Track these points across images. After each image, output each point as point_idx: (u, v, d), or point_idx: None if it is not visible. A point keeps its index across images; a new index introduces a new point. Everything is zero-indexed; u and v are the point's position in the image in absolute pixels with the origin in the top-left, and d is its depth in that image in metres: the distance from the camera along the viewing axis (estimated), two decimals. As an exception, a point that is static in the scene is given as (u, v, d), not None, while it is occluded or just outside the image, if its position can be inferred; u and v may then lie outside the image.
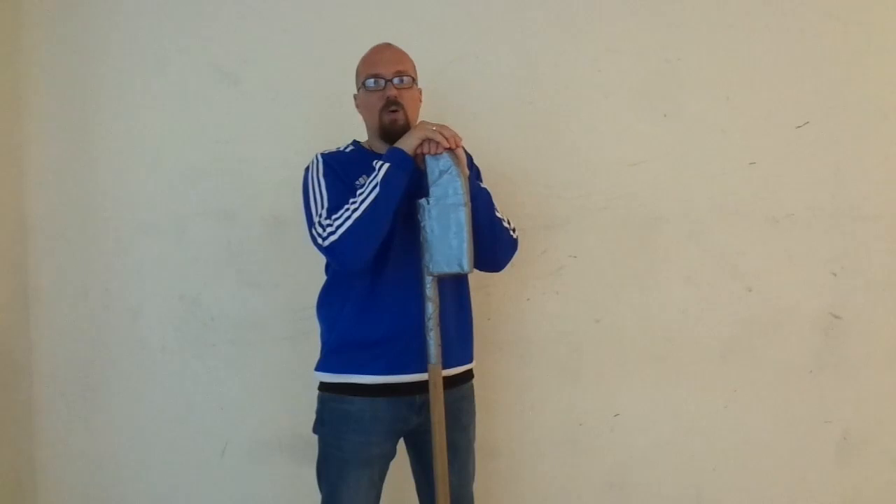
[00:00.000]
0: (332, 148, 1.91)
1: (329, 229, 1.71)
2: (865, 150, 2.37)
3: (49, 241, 2.38)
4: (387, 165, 1.73)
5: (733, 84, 2.36)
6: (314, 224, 1.74)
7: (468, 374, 1.92)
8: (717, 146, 2.36)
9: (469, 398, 1.93)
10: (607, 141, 2.36)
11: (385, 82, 1.83)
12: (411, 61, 1.90)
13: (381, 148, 1.86)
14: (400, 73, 1.84)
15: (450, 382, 1.80)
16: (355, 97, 1.93)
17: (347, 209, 1.71)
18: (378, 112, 1.84)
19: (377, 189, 1.71)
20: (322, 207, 1.75)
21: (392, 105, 1.82)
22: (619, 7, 2.36)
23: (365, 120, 1.91)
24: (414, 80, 1.88)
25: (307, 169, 1.85)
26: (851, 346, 2.37)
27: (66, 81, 2.37)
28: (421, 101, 1.93)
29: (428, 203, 1.73)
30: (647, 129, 2.36)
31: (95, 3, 2.37)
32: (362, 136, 1.95)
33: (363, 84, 1.87)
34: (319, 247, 1.73)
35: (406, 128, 1.82)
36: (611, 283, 2.37)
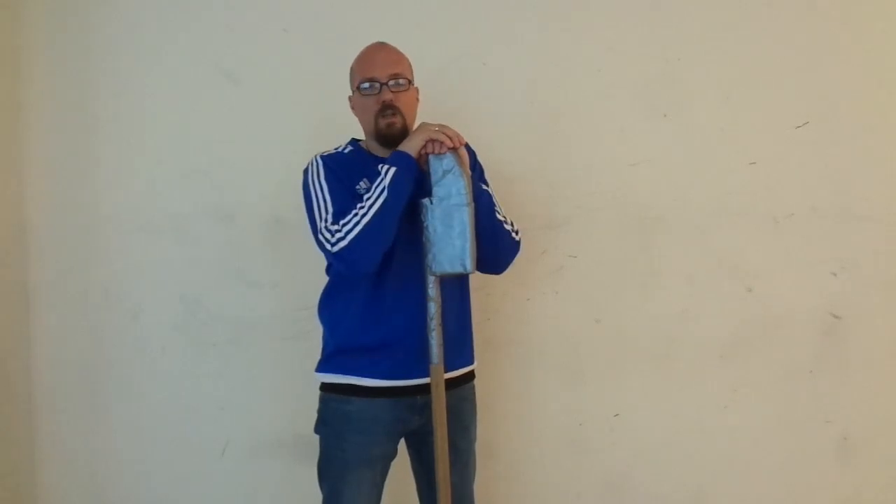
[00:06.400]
0: (331, 149, 1.90)
1: (338, 235, 1.69)
2: (865, 150, 2.37)
3: (49, 241, 2.38)
4: (393, 169, 1.71)
5: (733, 84, 2.36)
6: (319, 230, 1.73)
7: (469, 375, 1.92)
8: (717, 146, 2.36)
9: (470, 399, 1.93)
10: (607, 141, 2.36)
11: (380, 86, 1.80)
12: (407, 61, 1.87)
13: (378, 150, 1.85)
14: (395, 76, 1.81)
15: (451, 383, 1.79)
16: (350, 98, 1.91)
17: (356, 214, 1.69)
18: (374, 116, 1.81)
19: (385, 193, 1.70)
20: (327, 212, 1.74)
21: (388, 109, 1.80)
22: (619, 7, 2.36)
23: (361, 122, 1.89)
24: (410, 81, 1.85)
25: (306, 171, 1.83)
26: (851, 346, 2.37)
27: (66, 81, 2.37)
28: (418, 100, 1.91)
29: (431, 203, 1.73)
30: (647, 129, 2.36)
31: (95, 3, 2.36)
32: (362, 136, 1.94)
33: (358, 87, 1.84)
34: (328, 252, 1.72)
35: (404, 131, 1.81)
36: (611, 283, 2.37)
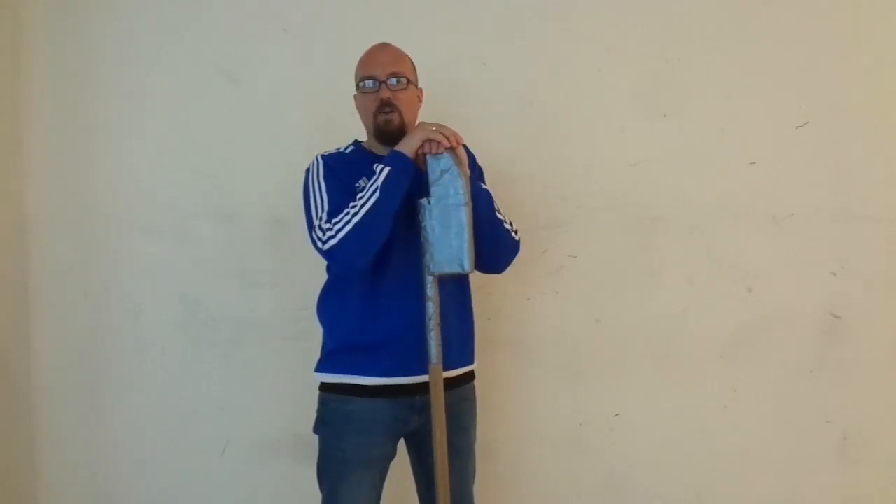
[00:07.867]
0: (333, 149, 1.91)
1: (329, 233, 1.71)
2: (865, 150, 2.37)
3: (49, 242, 2.38)
4: (387, 169, 1.72)
5: (733, 84, 2.36)
6: (314, 227, 1.74)
7: (469, 376, 1.92)
8: (717, 146, 2.36)
9: (470, 399, 1.93)
10: (607, 141, 2.36)
11: (379, 84, 1.82)
12: (409, 62, 1.89)
13: (379, 149, 1.86)
14: (394, 74, 1.82)
15: (451, 383, 1.79)
16: (355, 98, 1.92)
17: (347, 213, 1.71)
18: (373, 114, 1.83)
19: (377, 193, 1.71)
20: (322, 210, 1.75)
21: (386, 107, 1.81)
22: (619, 7, 2.36)
23: (362, 121, 1.90)
24: (410, 80, 1.86)
25: (308, 170, 1.84)
26: (851, 346, 2.37)
27: (65, 81, 2.37)
28: (421, 101, 1.92)
29: (429, 203, 1.73)
30: (647, 129, 2.36)
31: (95, 3, 2.37)
32: (363, 136, 1.95)
33: (358, 85, 1.86)
34: (319, 250, 1.73)
35: (402, 129, 1.82)
36: (611, 283, 2.37)
